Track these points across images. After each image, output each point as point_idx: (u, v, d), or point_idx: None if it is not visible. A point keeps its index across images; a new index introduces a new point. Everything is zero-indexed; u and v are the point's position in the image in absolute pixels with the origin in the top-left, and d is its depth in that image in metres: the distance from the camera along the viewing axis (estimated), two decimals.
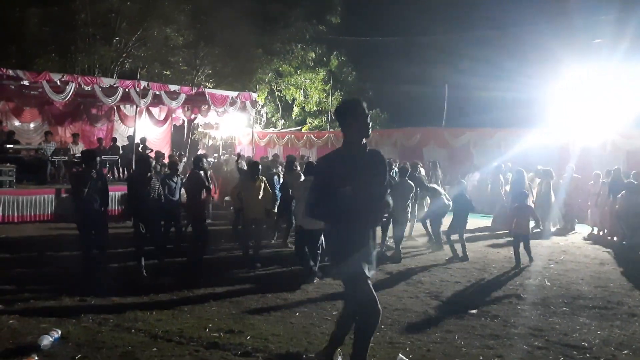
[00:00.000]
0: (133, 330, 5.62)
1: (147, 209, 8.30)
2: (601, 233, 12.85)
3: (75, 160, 15.85)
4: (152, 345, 5.22)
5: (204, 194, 9.23)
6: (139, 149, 16.87)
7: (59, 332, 5.26)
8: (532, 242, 11.96)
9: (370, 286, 4.26)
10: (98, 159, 8.47)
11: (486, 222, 14.35)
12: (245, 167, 12.04)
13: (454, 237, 10.23)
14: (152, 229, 8.49)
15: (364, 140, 4.25)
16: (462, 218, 10.26)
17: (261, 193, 9.19)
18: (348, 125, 4.24)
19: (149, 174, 8.53)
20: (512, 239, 12.09)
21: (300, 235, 8.36)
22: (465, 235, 10.35)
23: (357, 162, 4.21)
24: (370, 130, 4.24)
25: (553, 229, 13.49)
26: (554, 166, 14.73)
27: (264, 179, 9.53)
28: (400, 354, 5.05)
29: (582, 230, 13.55)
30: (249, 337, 5.50)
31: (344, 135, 4.32)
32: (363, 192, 4.15)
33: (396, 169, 13.31)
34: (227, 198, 12.95)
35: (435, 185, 12.11)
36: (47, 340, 5.03)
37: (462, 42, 29.12)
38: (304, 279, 8.02)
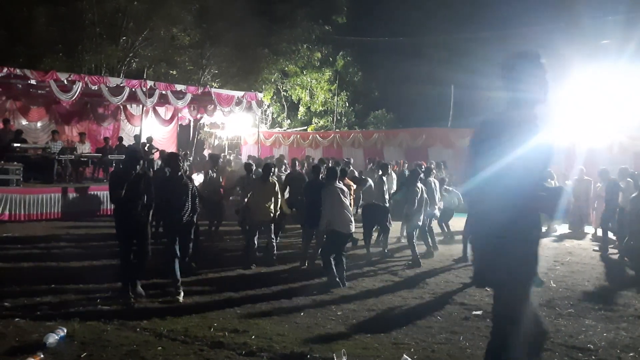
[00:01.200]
0: (138, 329, 5.64)
1: (181, 218, 7.35)
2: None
3: (83, 159, 15.94)
4: (157, 344, 5.23)
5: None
6: (145, 148, 16.92)
7: (65, 331, 5.28)
8: None
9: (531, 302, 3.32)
10: (141, 161, 7.17)
11: None
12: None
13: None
14: (185, 241, 7.60)
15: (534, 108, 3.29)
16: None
17: (273, 196, 9.15)
18: (517, 80, 3.26)
19: (179, 173, 7.47)
20: None
21: (331, 240, 7.97)
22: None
23: (521, 132, 3.17)
24: (548, 92, 3.26)
25: (560, 231, 13.46)
26: (560, 167, 14.66)
27: (276, 181, 9.47)
28: (405, 355, 5.04)
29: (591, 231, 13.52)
30: (253, 337, 5.51)
31: (512, 95, 3.31)
32: (524, 173, 3.12)
33: (405, 170, 13.27)
34: (231, 198, 12.92)
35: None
36: (52, 339, 5.06)
37: (468, 42, 29.01)
38: (328, 287, 7.68)
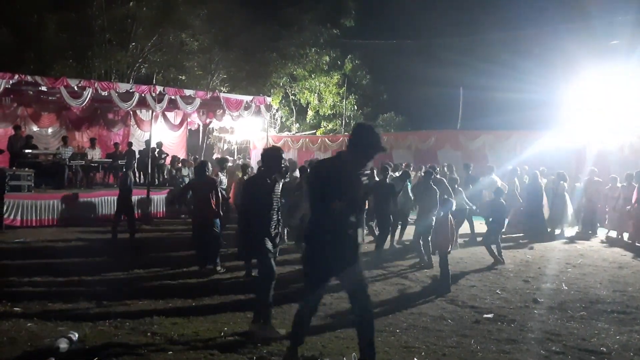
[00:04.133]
0: (149, 334, 5.65)
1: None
2: (620, 237, 12.71)
3: (93, 164, 16.02)
4: (168, 348, 5.24)
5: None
6: (155, 153, 17.01)
7: (76, 336, 5.30)
8: (548, 245, 11.92)
9: None
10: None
11: None
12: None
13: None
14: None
15: None
16: (501, 223, 10.14)
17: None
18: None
19: (273, 176, 5.95)
20: (525, 241, 12.02)
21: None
22: (480, 239, 10.29)
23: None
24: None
25: (570, 233, 13.37)
26: (570, 169, 14.58)
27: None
28: (415, 359, 5.02)
29: (603, 234, 13.40)
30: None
31: None
32: None
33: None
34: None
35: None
36: (64, 344, 5.07)
37: (477, 44, 28.98)
38: None
